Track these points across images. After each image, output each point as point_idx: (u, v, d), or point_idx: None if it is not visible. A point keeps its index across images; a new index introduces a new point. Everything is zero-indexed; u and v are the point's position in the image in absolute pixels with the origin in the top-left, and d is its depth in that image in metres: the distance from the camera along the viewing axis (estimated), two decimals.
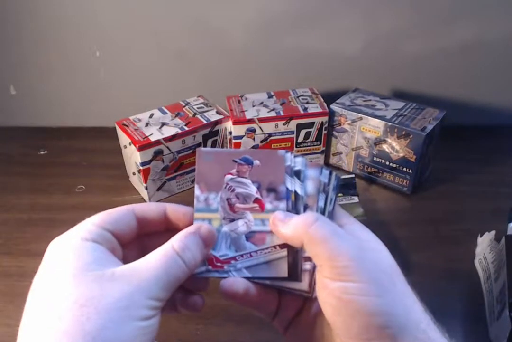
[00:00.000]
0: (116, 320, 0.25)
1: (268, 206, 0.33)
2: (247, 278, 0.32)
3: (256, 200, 0.34)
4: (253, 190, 0.34)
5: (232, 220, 0.33)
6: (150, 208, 0.33)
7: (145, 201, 0.71)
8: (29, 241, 0.64)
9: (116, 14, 0.77)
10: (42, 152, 0.83)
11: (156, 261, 0.28)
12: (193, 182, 0.73)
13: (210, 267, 0.32)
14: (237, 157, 0.34)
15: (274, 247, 0.32)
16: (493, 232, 0.58)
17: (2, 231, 0.66)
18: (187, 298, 0.33)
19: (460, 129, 0.82)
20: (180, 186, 0.72)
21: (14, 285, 0.58)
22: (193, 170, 0.72)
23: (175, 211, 0.33)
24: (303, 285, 0.32)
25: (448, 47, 0.79)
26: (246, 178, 0.34)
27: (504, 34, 0.77)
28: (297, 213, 0.33)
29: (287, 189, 0.33)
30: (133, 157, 0.68)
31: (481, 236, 0.60)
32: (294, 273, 0.32)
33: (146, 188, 0.68)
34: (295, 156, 0.34)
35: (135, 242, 0.33)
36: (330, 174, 0.34)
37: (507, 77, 0.82)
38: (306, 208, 0.33)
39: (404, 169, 0.69)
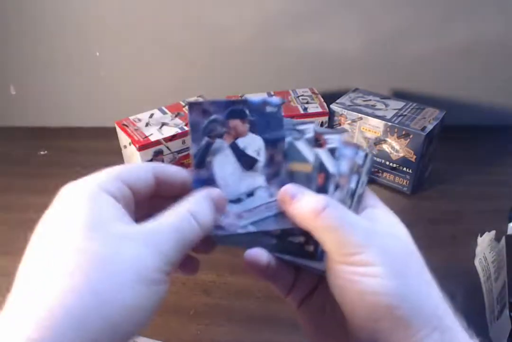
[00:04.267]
0: (126, 281, 0.23)
1: None
2: (271, 252, 0.31)
3: None
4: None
5: None
6: (170, 170, 0.31)
7: None
8: (29, 241, 0.64)
9: (116, 14, 0.77)
10: (42, 152, 0.83)
11: (169, 222, 0.26)
12: None
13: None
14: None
15: None
16: (493, 232, 0.58)
17: (2, 231, 0.66)
18: (186, 259, 0.31)
19: (460, 129, 0.82)
20: None
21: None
22: None
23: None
24: (320, 264, 0.31)
25: (448, 47, 0.78)
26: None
27: (503, 34, 0.77)
28: (326, 190, 0.32)
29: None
30: (133, 158, 0.68)
31: (481, 236, 0.60)
32: (312, 250, 0.31)
33: None
34: (331, 132, 0.33)
35: (146, 203, 0.31)
36: (366, 156, 0.33)
37: (507, 77, 0.82)
38: (337, 187, 0.32)
39: (404, 169, 0.69)
